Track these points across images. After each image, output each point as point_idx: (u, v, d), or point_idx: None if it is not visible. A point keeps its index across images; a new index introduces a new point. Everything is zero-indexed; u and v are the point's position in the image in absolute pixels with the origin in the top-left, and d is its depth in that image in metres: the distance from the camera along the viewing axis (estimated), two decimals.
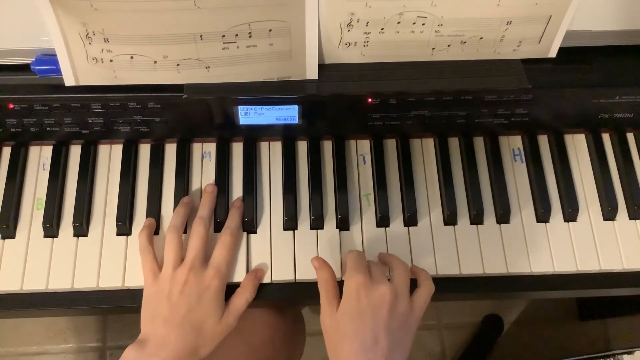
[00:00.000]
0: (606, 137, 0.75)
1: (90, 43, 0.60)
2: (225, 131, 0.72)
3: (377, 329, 0.56)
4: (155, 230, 0.68)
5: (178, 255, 0.63)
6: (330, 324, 0.59)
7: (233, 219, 0.67)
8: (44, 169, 0.71)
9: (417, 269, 0.65)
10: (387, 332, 0.56)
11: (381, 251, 0.68)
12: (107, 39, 0.60)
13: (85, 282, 0.66)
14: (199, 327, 0.61)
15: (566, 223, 0.70)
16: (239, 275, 0.66)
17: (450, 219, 0.69)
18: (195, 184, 0.71)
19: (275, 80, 0.66)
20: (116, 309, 0.67)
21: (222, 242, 0.65)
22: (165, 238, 0.64)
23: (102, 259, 0.67)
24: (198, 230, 0.64)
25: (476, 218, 0.69)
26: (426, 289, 0.61)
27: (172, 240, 0.64)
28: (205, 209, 0.67)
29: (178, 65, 0.63)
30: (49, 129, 0.69)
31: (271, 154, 0.73)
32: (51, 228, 0.68)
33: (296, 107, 0.67)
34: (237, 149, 0.73)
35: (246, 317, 0.65)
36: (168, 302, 0.61)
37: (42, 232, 0.68)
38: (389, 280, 0.60)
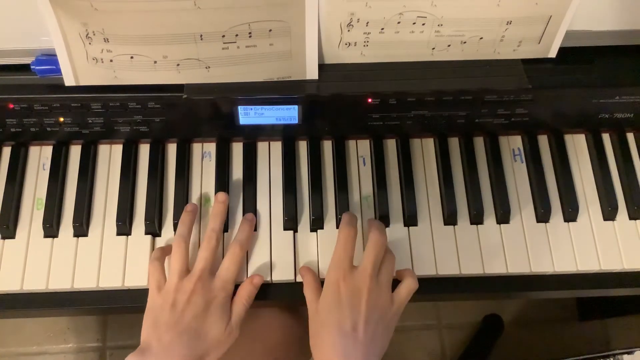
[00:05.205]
0: (606, 137, 0.75)
1: (90, 43, 0.60)
2: (225, 131, 0.72)
3: (356, 318, 0.57)
4: (156, 230, 0.68)
5: (184, 266, 0.63)
6: (312, 316, 0.60)
7: (243, 232, 0.66)
8: (44, 169, 0.71)
9: (401, 269, 0.65)
10: (366, 322, 0.57)
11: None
12: (107, 39, 0.60)
13: (85, 282, 0.66)
14: (205, 336, 0.60)
15: (566, 223, 0.70)
16: (239, 277, 0.66)
17: (450, 219, 0.69)
18: (195, 184, 0.71)
19: (275, 80, 0.66)
20: (116, 309, 0.67)
21: (232, 254, 0.64)
22: (172, 247, 0.64)
23: (102, 259, 0.67)
24: (210, 243, 0.64)
25: (476, 218, 0.69)
26: (408, 285, 0.62)
27: (178, 251, 0.63)
28: (217, 221, 0.65)
29: (178, 65, 0.63)
30: (49, 129, 0.69)
31: (271, 154, 0.73)
32: (51, 228, 0.68)
33: (296, 107, 0.67)
34: (237, 149, 0.73)
35: (261, 318, 0.65)
36: (173, 310, 0.60)
37: (42, 232, 0.68)
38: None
